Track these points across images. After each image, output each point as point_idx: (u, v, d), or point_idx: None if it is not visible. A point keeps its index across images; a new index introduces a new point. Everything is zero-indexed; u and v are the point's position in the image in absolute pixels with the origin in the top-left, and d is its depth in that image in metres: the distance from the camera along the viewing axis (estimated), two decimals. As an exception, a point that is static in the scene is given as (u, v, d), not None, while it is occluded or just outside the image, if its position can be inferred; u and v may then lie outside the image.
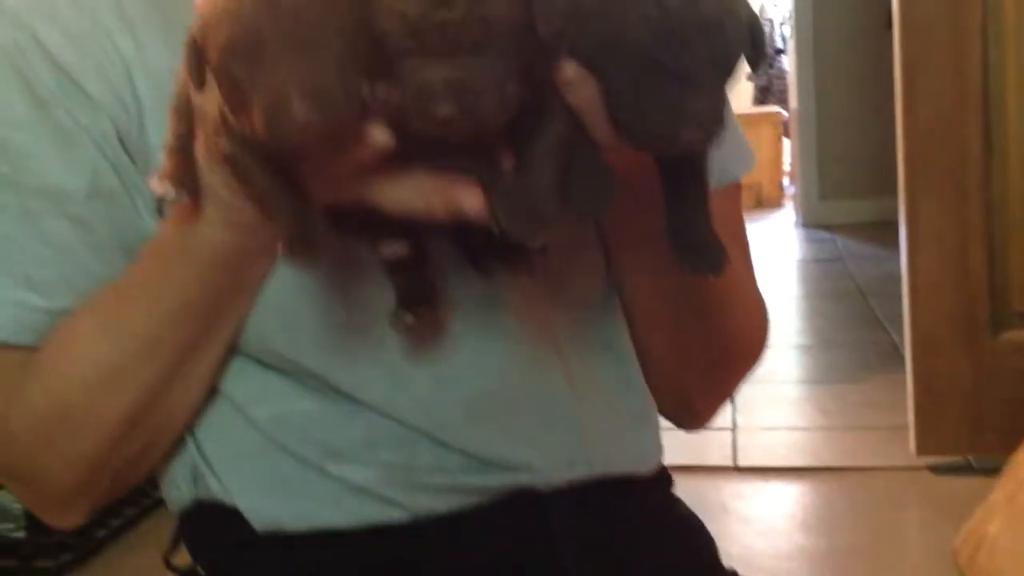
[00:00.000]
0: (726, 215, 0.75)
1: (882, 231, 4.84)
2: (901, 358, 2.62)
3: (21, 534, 2.18)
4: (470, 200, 0.61)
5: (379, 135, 0.58)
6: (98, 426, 0.75)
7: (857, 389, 3.14)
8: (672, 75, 0.56)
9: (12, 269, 0.75)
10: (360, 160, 0.60)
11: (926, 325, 2.45)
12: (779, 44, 7.62)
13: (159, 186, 0.66)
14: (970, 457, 2.50)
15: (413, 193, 0.62)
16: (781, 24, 7.45)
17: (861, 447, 2.70)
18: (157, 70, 0.74)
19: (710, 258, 0.67)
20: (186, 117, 0.66)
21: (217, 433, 0.79)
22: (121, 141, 0.75)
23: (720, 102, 0.58)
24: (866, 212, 5.53)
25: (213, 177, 0.66)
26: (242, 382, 0.78)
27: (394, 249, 0.68)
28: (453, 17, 0.53)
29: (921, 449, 2.50)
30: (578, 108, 0.61)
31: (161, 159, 0.67)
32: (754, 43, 0.60)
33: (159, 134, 0.72)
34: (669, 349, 0.87)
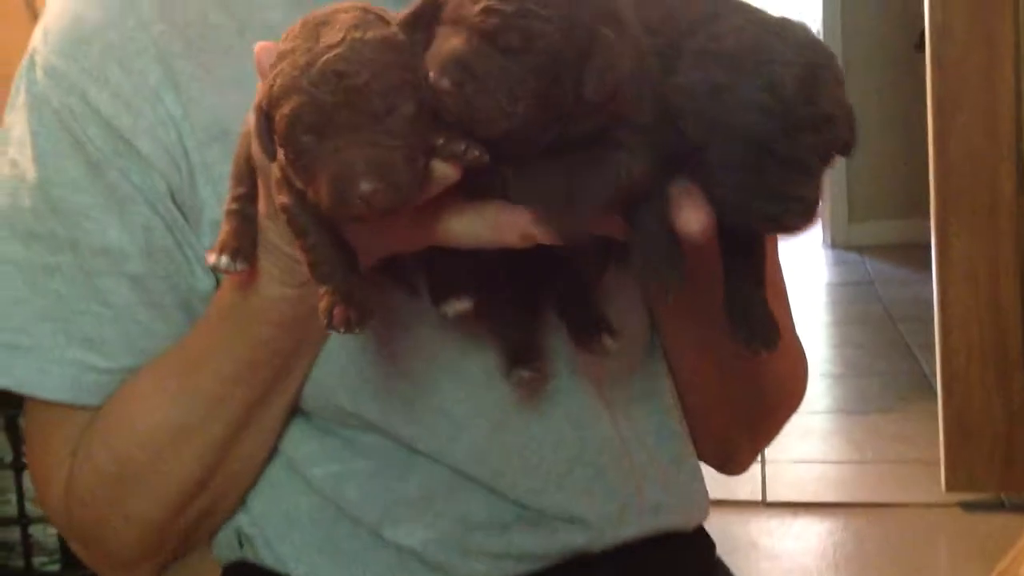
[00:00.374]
0: (770, 262, 0.75)
1: (911, 253, 4.81)
2: (932, 388, 2.61)
3: (55, 567, 2.20)
4: (534, 225, 0.60)
5: (443, 170, 0.57)
6: (164, 487, 0.76)
7: (888, 420, 3.12)
8: (782, 161, 0.57)
9: (70, 329, 0.75)
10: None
11: (957, 361, 2.43)
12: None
13: (214, 257, 0.66)
14: (1002, 495, 2.48)
15: (481, 223, 0.61)
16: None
17: (891, 482, 2.69)
18: (205, 126, 0.75)
19: (765, 333, 0.68)
20: (247, 179, 0.67)
21: (271, 495, 0.79)
22: (173, 199, 0.76)
23: (820, 188, 0.59)
24: (895, 234, 5.49)
25: (274, 233, 0.66)
26: (301, 442, 0.78)
27: (457, 307, 0.67)
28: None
29: (951, 486, 2.48)
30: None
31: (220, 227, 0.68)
32: (851, 137, 0.61)
33: (209, 189, 0.74)
34: (714, 404, 0.88)
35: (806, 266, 5.45)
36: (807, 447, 2.96)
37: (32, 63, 0.77)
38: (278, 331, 0.71)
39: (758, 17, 0.60)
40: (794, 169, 0.57)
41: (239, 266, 0.67)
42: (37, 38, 0.77)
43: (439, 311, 0.67)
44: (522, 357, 0.73)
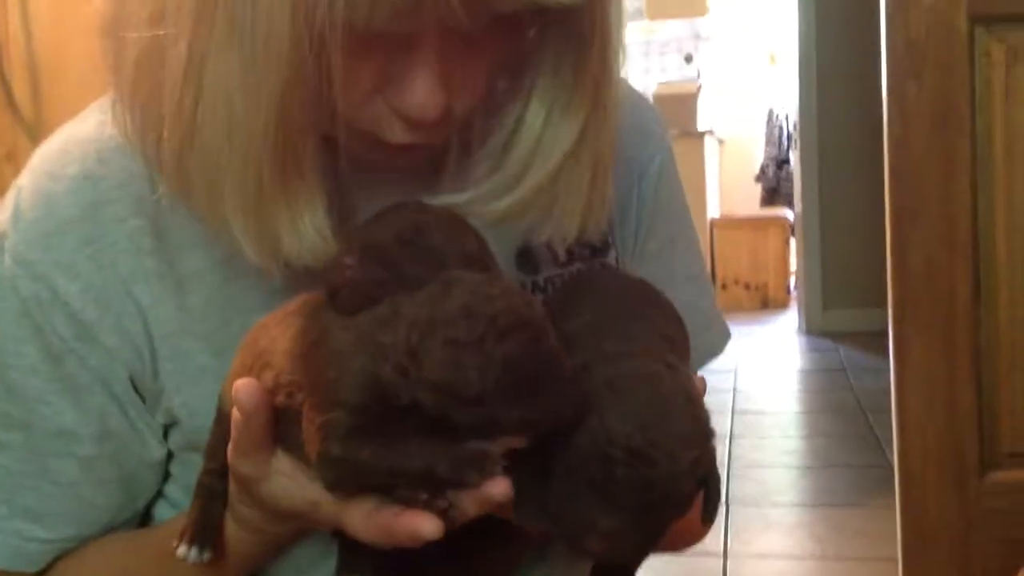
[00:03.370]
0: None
1: (884, 341, 4.83)
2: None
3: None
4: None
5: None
6: None
7: (852, 514, 3.15)
8: (595, 488, 0.61)
9: (13, 501, 0.77)
10: None
11: (914, 464, 2.47)
12: (788, 148, 7.73)
13: (180, 549, 0.71)
14: (959, 597, 2.50)
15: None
16: (790, 133, 7.57)
17: (852, 579, 2.71)
18: (165, 320, 0.77)
19: None
20: (220, 455, 0.71)
21: None
22: (134, 384, 0.78)
23: (630, 539, 0.62)
24: (869, 321, 5.55)
25: (245, 508, 0.71)
26: None
27: None
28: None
29: (910, 586, 2.51)
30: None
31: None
32: (705, 500, 0.64)
33: (171, 379, 0.77)
34: None
35: (781, 353, 5.50)
36: (770, 540, 2.98)
37: (0, 247, 0.77)
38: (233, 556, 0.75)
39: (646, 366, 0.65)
40: (605, 499, 0.60)
41: (205, 556, 0.71)
42: (5, 220, 0.78)
43: None
44: None
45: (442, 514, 0.61)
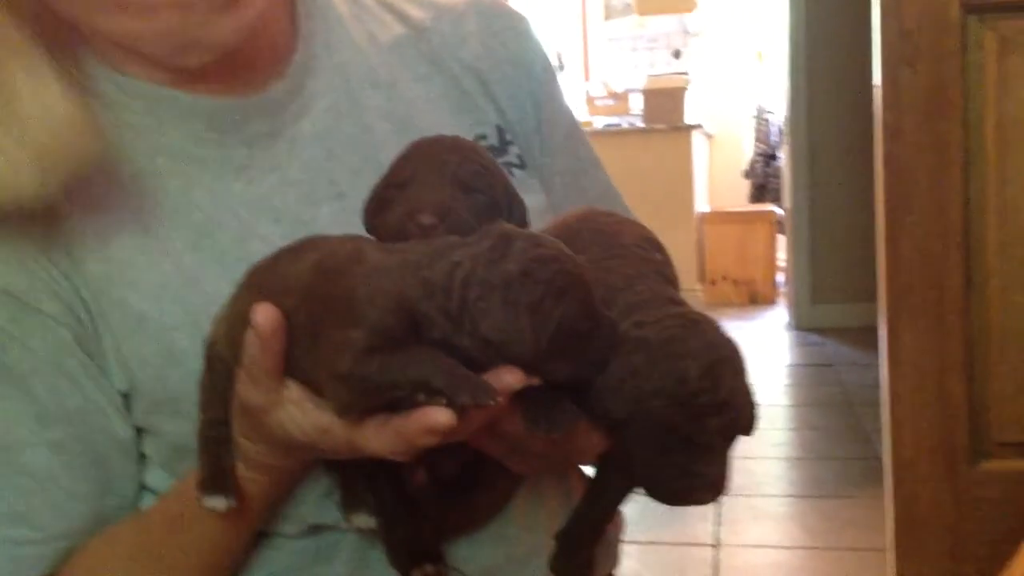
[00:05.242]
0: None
1: (872, 336, 4.85)
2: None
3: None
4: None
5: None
6: None
7: (842, 505, 3.15)
8: (687, 442, 0.63)
9: None
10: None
11: (906, 454, 2.47)
12: (776, 144, 7.75)
13: (206, 500, 0.72)
14: (950, 586, 2.51)
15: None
16: (779, 129, 7.59)
17: (843, 569, 2.71)
18: (96, 281, 0.77)
19: (575, 572, 0.76)
20: (216, 403, 0.72)
21: None
22: (80, 346, 0.78)
23: (726, 466, 0.66)
24: (857, 317, 5.57)
25: (252, 449, 0.72)
26: None
27: (366, 522, 0.75)
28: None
29: (901, 575, 2.51)
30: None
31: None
32: (753, 420, 0.68)
33: (108, 337, 0.77)
34: None
35: (769, 347, 5.51)
36: (761, 531, 2.98)
37: None
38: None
39: (678, 311, 0.68)
40: (699, 449, 0.64)
41: (231, 502, 0.72)
42: None
43: (347, 520, 0.75)
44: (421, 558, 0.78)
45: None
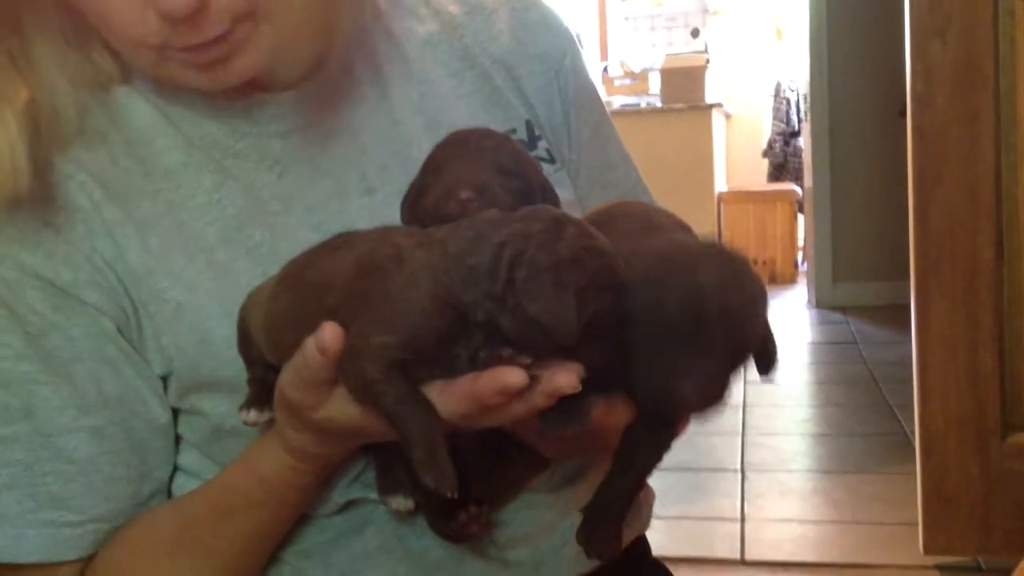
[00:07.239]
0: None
1: (894, 314, 4.87)
2: (912, 449, 2.64)
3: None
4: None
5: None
6: None
7: (868, 480, 3.15)
8: (686, 341, 0.63)
9: (37, 493, 0.77)
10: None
11: (936, 427, 2.47)
12: (795, 123, 7.71)
13: (245, 414, 0.73)
14: (979, 559, 2.50)
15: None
16: (797, 103, 7.55)
17: (870, 543, 2.71)
18: (134, 267, 0.78)
19: (601, 545, 0.74)
20: (254, 367, 0.75)
21: None
22: (122, 334, 0.79)
23: (723, 382, 0.65)
24: (879, 295, 5.56)
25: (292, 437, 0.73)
26: None
27: (403, 504, 0.77)
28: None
29: (929, 549, 2.51)
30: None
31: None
32: (766, 353, 0.68)
33: (148, 324, 0.79)
34: None
35: (791, 325, 5.50)
36: (787, 506, 2.98)
37: None
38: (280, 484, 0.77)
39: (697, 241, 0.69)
40: (697, 348, 0.63)
41: (266, 416, 0.73)
42: None
43: (384, 503, 0.77)
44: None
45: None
